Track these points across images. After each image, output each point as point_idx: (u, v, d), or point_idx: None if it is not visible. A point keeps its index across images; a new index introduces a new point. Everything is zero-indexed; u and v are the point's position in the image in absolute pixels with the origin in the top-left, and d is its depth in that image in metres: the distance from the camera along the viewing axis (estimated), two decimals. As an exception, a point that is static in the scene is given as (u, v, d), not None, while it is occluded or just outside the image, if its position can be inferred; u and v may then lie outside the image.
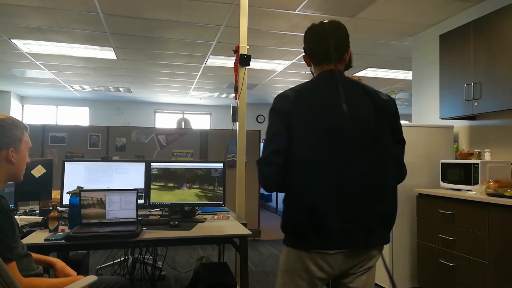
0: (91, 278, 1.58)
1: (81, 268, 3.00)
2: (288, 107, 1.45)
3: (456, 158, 3.59)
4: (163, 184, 2.74)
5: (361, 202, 1.37)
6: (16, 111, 9.71)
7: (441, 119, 3.66)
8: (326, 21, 1.55)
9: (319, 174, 1.38)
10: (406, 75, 6.64)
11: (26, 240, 2.02)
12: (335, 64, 1.50)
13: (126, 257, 3.83)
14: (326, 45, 1.49)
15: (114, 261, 3.95)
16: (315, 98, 1.45)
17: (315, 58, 1.54)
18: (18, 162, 1.58)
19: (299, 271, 1.43)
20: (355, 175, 1.38)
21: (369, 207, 1.38)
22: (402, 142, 1.57)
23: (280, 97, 1.49)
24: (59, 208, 2.63)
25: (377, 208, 1.40)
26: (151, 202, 2.73)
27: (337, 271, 1.42)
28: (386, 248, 3.56)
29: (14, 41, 5.15)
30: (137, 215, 2.37)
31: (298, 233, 1.42)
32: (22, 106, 10.18)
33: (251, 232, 2.36)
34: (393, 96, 4.28)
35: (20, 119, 1.75)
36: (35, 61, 6.28)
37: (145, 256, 3.37)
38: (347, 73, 1.55)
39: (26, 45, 5.37)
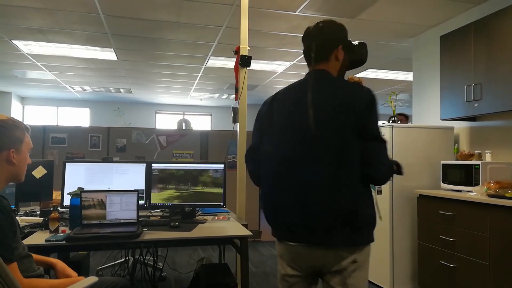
0: (92, 279, 1.58)
1: (81, 269, 3.00)
2: (263, 110, 1.64)
3: (457, 159, 3.59)
4: (163, 185, 2.74)
5: (319, 200, 1.41)
6: (16, 112, 9.72)
7: (442, 120, 3.66)
8: (319, 22, 1.59)
9: (280, 171, 1.50)
10: (407, 76, 6.65)
11: (27, 241, 2.02)
12: (313, 65, 1.56)
13: (127, 258, 3.83)
14: (309, 47, 1.57)
15: (115, 262, 3.95)
16: (286, 100, 1.57)
17: (306, 60, 1.62)
18: (19, 163, 1.58)
19: (279, 257, 1.60)
20: (314, 174, 1.42)
21: (327, 205, 1.40)
22: (376, 139, 1.45)
23: (264, 101, 1.68)
24: (60, 209, 2.64)
25: (335, 207, 1.40)
26: (151, 203, 2.73)
27: (304, 264, 1.50)
28: (387, 248, 3.56)
29: (15, 42, 5.16)
30: (138, 216, 2.37)
31: (270, 224, 1.59)
32: (23, 107, 10.19)
33: (251, 233, 2.36)
34: (393, 98, 4.27)
35: (20, 120, 1.75)
36: (36, 62, 6.29)
37: (146, 257, 3.37)
38: (356, 71, 1.60)
39: (27, 46, 5.38)
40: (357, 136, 1.42)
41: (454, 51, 3.50)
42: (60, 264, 1.77)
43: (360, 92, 1.47)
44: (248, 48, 3.10)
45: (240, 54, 3.06)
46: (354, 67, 1.66)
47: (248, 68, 3.10)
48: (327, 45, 1.55)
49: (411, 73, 4.75)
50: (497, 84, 3.03)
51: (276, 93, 1.63)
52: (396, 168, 1.57)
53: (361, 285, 1.47)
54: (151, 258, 3.47)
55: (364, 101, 1.44)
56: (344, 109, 1.42)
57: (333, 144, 1.41)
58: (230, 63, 6.00)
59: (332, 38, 1.56)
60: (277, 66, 6.29)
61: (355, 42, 1.64)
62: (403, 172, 1.62)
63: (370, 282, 3.77)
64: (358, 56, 1.61)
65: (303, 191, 1.43)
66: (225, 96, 9.29)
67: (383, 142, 1.47)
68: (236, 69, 3.14)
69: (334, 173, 1.40)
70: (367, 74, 6.58)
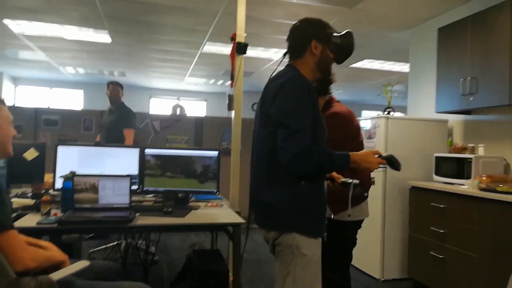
0: (84, 263, 1.58)
1: (73, 252, 2.99)
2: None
3: (450, 152, 3.61)
4: (157, 170, 2.73)
5: (252, 187, 1.66)
6: (8, 92, 9.57)
7: (437, 113, 3.67)
8: (296, 21, 1.73)
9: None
10: (402, 67, 6.63)
11: (18, 223, 2.00)
12: (290, 62, 1.71)
13: (119, 241, 3.83)
14: (287, 46, 1.74)
15: (107, 245, 3.95)
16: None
17: None
18: (1, 138, 1.56)
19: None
20: (252, 165, 1.67)
21: (254, 193, 1.65)
22: (280, 125, 1.47)
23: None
24: (52, 192, 2.62)
25: (256, 194, 1.63)
26: (144, 188, 2.72)
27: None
28: (378, 238, 3.60)
29: (7, 21, 5.05)
30: (130, 201, 2.36)
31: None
32: (15, 87, 10.03)
33: (244, 221, 2.36)
34: (389, 88, 4.24)
35: (12, 100, 1.72)
36: (28, 42, 6.17)
37: (138, 241, 3.38)
38: (344, 64, 1.67)
39: (18, 26, 5.26)
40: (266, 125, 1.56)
41: (451, 44, 3.49)
42: (51, 247, 1.76)
43: (278, 79, 1.58)
44: (245, 34, 3.07)
45: (237, 41, 3.02)
46: (343, 56, 1.71)
47: (244, 55, 3.07)
48: (298, 43, 1.67)
49: (407, 65, 4.74)
50: (493, 78, 3.04)
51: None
52: (326, 164, 1.50)
53: (280, 270, 1.70)
54: (144, 242, 3.48)
55: (274, 88, 1.56)
56: (263, 100, 1.61)
57: (259, 137, 1.63)
58: (226, 49, 5.93)
59: (303, 35, 1.66)
60: (274, 54, 6.24)
61: (342, 33, 1.71)
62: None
63: (360, 270, 3.81)
64: (340, 45, 1.67)
65: (251, 180, 1.71)
66: (220, 82, 9.22)
67: (284, 126, 1.46)
68: (232, 56, 3.10)
69: (259, 164, 1.67)
70: (363, 64, 6.56)
